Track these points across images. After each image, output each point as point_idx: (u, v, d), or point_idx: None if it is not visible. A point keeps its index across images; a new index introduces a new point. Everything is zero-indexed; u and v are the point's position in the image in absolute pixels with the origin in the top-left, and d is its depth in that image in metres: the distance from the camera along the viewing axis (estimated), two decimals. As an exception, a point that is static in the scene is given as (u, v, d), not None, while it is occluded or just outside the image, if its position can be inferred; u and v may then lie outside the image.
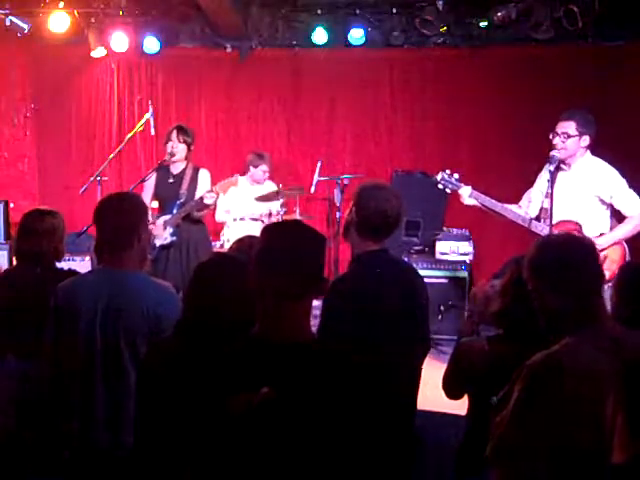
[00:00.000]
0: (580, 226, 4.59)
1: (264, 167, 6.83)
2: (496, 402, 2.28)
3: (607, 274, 4.38)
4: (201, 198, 5.32)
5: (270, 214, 6.73)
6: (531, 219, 4.68)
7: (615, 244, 4.59)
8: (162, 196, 5.59)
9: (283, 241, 1.98)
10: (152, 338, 2.66)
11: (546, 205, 4.53)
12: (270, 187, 6.90)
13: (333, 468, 1.83)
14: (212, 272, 2.36)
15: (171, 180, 5.57)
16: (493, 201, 4.75)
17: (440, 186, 4.81)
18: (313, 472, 1.83)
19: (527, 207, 4.85)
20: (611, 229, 4.67)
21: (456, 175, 4.80)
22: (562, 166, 4.64)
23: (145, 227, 2.91)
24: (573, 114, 4.64)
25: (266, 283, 1.92)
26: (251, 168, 6.83)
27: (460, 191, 4.75)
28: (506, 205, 4.80)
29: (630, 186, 4.65)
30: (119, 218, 2.83)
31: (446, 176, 4.79)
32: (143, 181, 5.63)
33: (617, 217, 4.71)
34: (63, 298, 2.83)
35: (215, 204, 5.73)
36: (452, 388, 2.80)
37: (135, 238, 2.81)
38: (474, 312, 2.85)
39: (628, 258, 4.61)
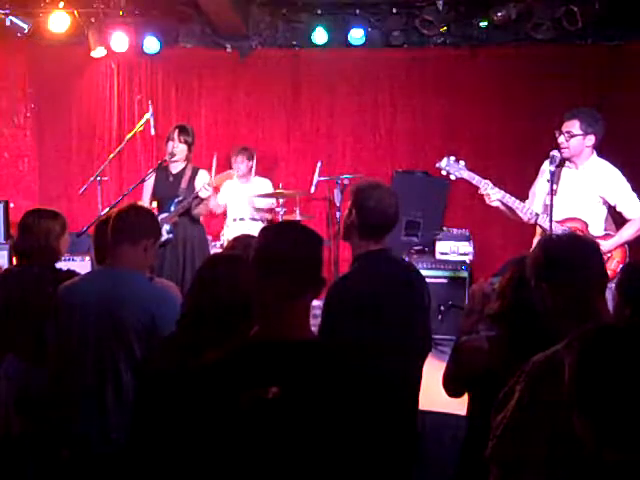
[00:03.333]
0: (586, 224, 4.61)
1: (239, 158, 6.80)
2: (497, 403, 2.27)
3: (610, 273, 4.42)
4: (197, 193, 5.33)
5: (270, 212, 6.74)
6: (537, 214, 4.66)
7: (619, 246, 4.61)
8: (161, 195, 5.59)
9: (281, 241, 1.98)
10: (149, 338, 2.66)
11: (548, 202, 4.53)
12: (260, 183, 6.90)
13: (335, 467, 1.83)
14: (213, 271, 2.36)
15: (170, 179, 5.57)
16: (509, 197, 4.65)
17: (444, 172, 4.72)
18: (315, 470, 1.83)
19: (531, 203, 4.83)
20: (606, 228, 4.70)
21: (462, 162, 4.70)
22: (568, 164, 4.65)
23: (153, 245, 2.93)
24: (577, 113, 4.62)
25: (265, 283, 1.93)
26: (233, 165, 6.86)
27: (488, 190, 4.61)
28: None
29: (632, 188, 4.67)
30: (133, 218, 2.87)
31: (451, 161, 4.69)
32: (143, 181, 5.63)
33: (613, 217, 4.73)
34: (63, 299, 2.84)
35: (210, 199, 5.69)
36: (452, 386, 2.80)
37: (143, 242, 2.83)
38: (473, 310, 2.85)
39: (628, 259, 4.63)
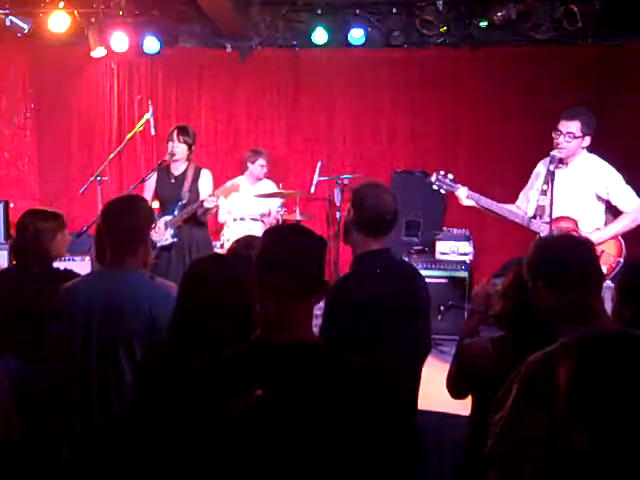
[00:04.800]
0: (576, 222, 4.61)
1: (261, 161, 6.83)
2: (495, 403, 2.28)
3: (604, 269, 4.43)
4: (202, 202, 5.32)
5: (269, 214, 6.73)
6: (530, 218, 4.68)
7: (611, 239, 4.60)
8: (163, 197, 5.58)
9: (284, 243, 1.98)
10: (150, 338, 2.66)
11: (542, 202, 4.53)
12: (268, 186, 6.91)
13: (334, 468, 1.83)
14: (203, 270, 2.35)
15: (172, 181, 5.56)
16: (490, 201, 4.76)
17: (435, 187, 4.82)
18: (314, 472, 1.83)
19: (525, 206, 4.85)
20: (606, 224, 4.68)
21: (450, 175, 4.80)
22: (559, 164, 4.65)
23: (149, 233, 2.95)
24: (577, 113, 4.62)
25: (268, 285, 1.92)
26: (249, 165, 6.86)
27: (457, 193, 4.76)
28: (503, 205, 4.81)
29: (628, 183, 4.66)
30: (132, 220, 2.85)
31: (440, 177, 4.80)
32: (143, 181, 5.62)
33: (612, 212, 4.72)
34: (64, 300, 2.84)
35: (216, 208, 5.71)
36: (456, 389, 2.80)
37: (142, 241, 2.83)
38: (476, 311, 2.85)
39: (624, 252, 4.62)
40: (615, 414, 1.53)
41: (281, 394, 1.81)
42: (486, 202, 4.75)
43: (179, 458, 2.09)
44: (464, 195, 4.75)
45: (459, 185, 4.78)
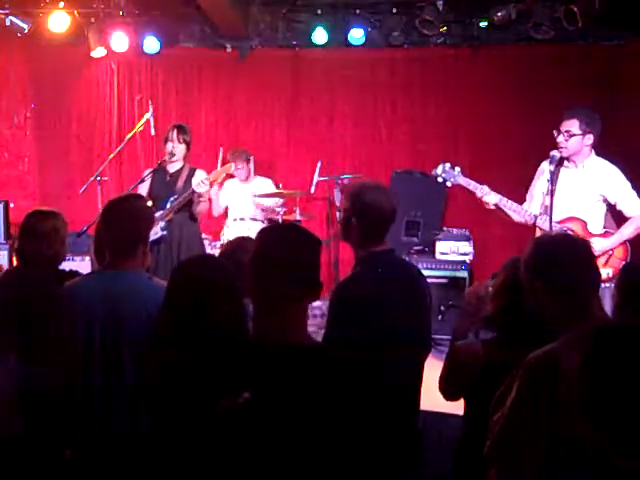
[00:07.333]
0: (586, 223, 4.62)
1: (238, 164, 6.61)
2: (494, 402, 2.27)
3: (611, 271, 4.46)
4: (193, 188, 5.31)
5: (272, 211, 6.73)
6: (536, 215, 4.67)
7: (620, 244, 4.63)
8: (158, 194, 5.56)
9: (279, 243, 1.97)
10: (151, 338, 2.66)
11: (547, 202, 4.53)
12: (262, 183, 6.90)
13: (333, 469, 1.83)
14: (190, 272, 2.34)
15: (168, 178, 5.57)
16: (510, 203, 4.68)
17: (440, 179, 4.73)
18: (313, 473, 1.82)
19: (529, 206, 4.85)
20: (605, 226, 4.71)
21: (458, 168, 4.71)
22: (567, 164, 4.66)
23: (150, 234, 2.96)
24: (576, 112, 4.65)
25: (262, 287, 1.92)
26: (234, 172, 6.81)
27: (482, 196, 4.63)
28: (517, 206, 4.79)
29: (632, 186, 4.68)
30: (133, 221, 2.85)
31: (447, 168, 4.70)
32: (143, 181, 5.62)
33: (612, 214, 4.74)
34: (66, 299, 2.84)
35: (209, 195, 5.66)
36: (448, 390, 2.80)
37: (142, 242, 2.84)
38: (467, 313, 2.84)
39: (630, 256, 4.65)
40: (630, 404, 1.52)
41: (272, 396, 1.80)
42: (506, 204, 4.67)
43: (177, 459, 2.09)
44: (486, 194, 4.60)
45: (486, 189, 4.62)
